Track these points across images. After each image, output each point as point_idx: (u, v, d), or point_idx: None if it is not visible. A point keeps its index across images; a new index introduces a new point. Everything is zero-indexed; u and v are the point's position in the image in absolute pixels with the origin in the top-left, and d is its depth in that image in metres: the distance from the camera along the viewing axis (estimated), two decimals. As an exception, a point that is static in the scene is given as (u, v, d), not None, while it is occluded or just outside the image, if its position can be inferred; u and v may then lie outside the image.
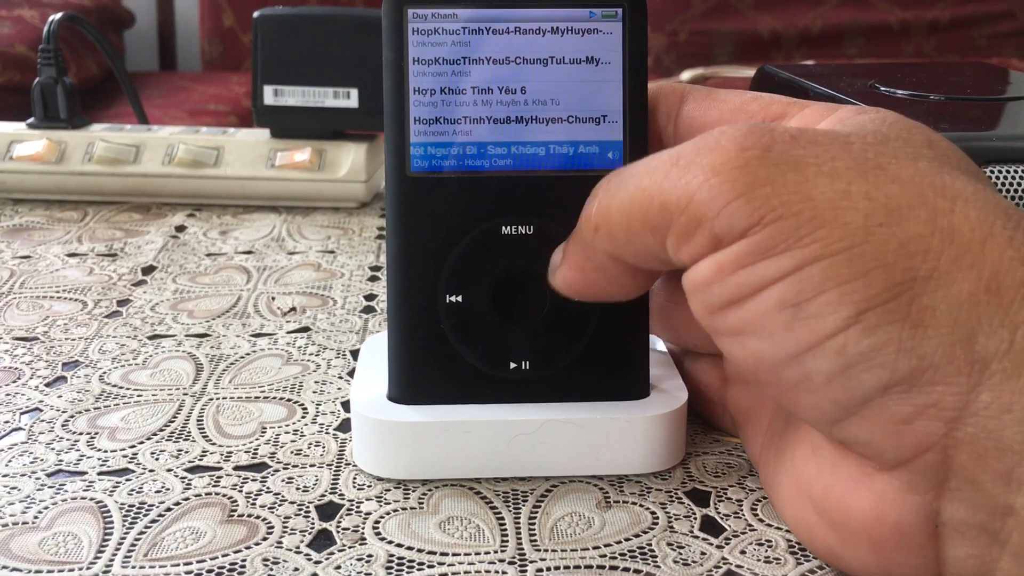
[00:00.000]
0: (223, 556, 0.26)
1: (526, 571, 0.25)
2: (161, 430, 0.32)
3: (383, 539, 0.27)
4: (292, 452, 0.31)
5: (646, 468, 0.30)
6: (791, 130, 0.22)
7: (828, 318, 0.20)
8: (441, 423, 0.28)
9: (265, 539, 0.26)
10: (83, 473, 0.29)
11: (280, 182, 0.56)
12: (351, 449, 0.31)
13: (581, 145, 0.29)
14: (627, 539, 0.27)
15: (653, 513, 0.28)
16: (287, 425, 0.33)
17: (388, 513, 0.28)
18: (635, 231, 0.23)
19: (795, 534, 0.26)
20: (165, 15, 2.12)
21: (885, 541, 0.22)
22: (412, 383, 0.29)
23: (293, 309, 0.42)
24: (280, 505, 0.28)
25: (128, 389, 0.35)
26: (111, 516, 0.27)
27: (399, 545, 0.26)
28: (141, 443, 0.31)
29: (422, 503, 0.28)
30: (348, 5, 1.90)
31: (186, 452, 0.31)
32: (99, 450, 0.31)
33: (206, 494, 0.28)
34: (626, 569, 0.25)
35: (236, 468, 0.30)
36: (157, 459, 0.30)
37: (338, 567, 0.25)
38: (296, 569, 0.25)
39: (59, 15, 0.60)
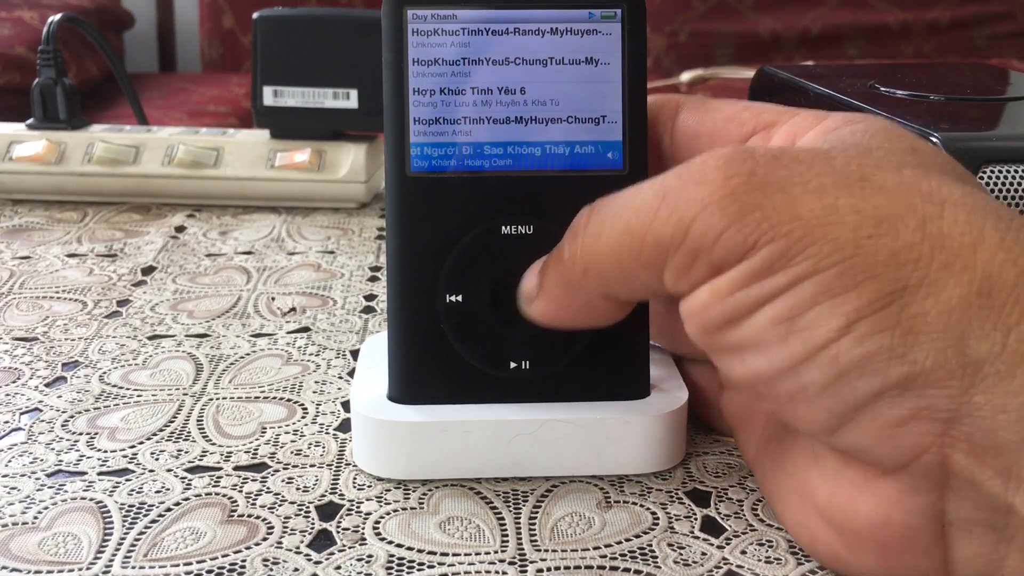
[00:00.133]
0: (223, 556, 0.26)
1: (526, 571, 0.25)
2: (161, 430, 0.32)
3: (383, 539, 0.27)
4: (292, 452, 0.31)
5: (647, 468, 0.30)
6: (772, 151, 0.23)
7: (820, 330, 0.21)
8: (441, 423, 0.28)
9: (265, 539, 0.26)
10: (83, 473, 0.29)
11: (280, 183, 0.56)
12: (351, 449, 0.31)
13: (580, 145, 0.29)
14: (627, 539, 0.27)
15: (653, 513, 0.28)
16: (287, 425, 0.33)
17: (388, 513, 0.28)
18: (627, 270, 0.24)
19: (798, 540, 0.26)
20: (165, 16, 2.12)
21: (892, 544, 0.22)
22: (412, 383, 0.29)
23: (293, 309, 0.42)
24: (280, 505, 0.28)
25: (128, 389, 0.35)
26: (111, 516, 0.27)
27: (399, 545, 0.26)
28: (141, 443, 0.31)
29: (422, 503, 0.28)
30: (348, 6, 1.90)
31: (186, 452, 0.31)
32: (99, 450, 0.31)
33: (206, 494, 0.28)
34: (626, 570, 0.25)
35: (236, 468, 0.30)
36: (157, 459, 0.30)
37: (338, 567, 0.25)
38: (296, 569, 0.25)
39: (58, 16, 0.60)
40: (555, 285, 0.26)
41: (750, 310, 0.22)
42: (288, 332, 0.40)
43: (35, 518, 0.27)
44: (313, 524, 0.27)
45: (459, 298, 0.29)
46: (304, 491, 0.29)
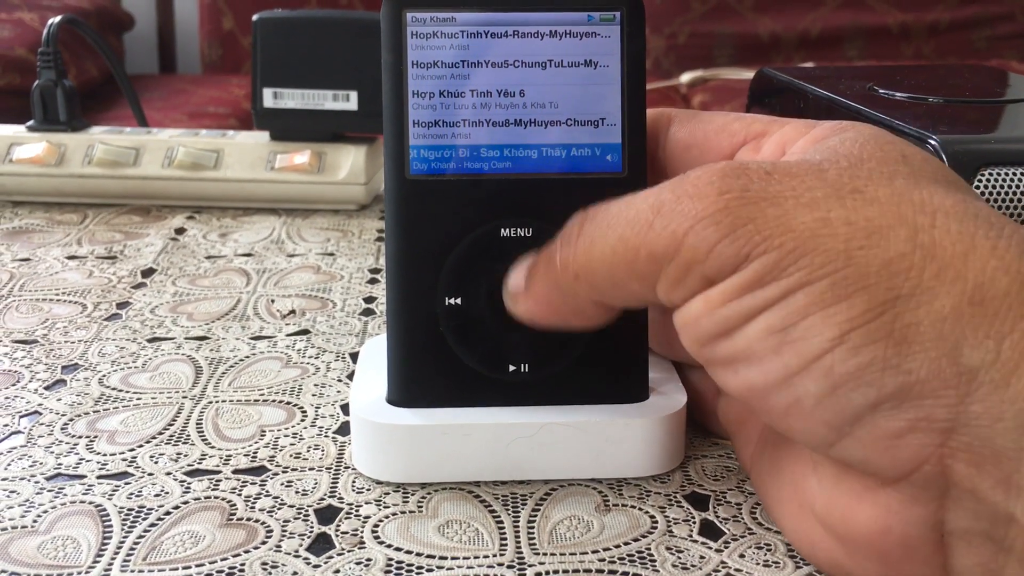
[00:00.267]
0: (222, 560, 0.26)
1: (525, 575, 0.25)
2: (160, 433, 0.32)
3: (382, 543, 0.27)
4: (291, 455, 0.31)
5: (645, 471, 0.30)
6: (765, 166, 0.23)
7: (814, 340, 0.21)
8: (440, 426, 0.28)
9: (264, 543, 0.26)
10: (82, 476, 0.29)
11: (280, 184, 0.56)
12: (350, 452, 0.31)
13: (580, 148, 0.29)
14: (626, 543, 0.27)
15: (652, 517, 0.28)
16: (286, 428, 0.33)
17: (387, 517, 0.28)
18: (620, 280, 0.24)
19: (796, 547, 0.26)
20: (165, 18, 2.12)
21: (892, 553, 0.22)
22: (411, 386, 0.29)
23: (292, 312, 0.42)
24: (279, 509, 0.28)
25: (127, 392, 0.35)
26: (110, 520, 0.27)
27: (398, 549, 0.26)
28: (140, 446, 0.31)
29: (421, 507, 0.28)
30: (347, 8, 1.91)
31: (185, 455, 0.31)
32: (98, 453, 0.31)
33: (205, 498, 0.28)
34: (625, 573, 0.25)
35: (235, 471, 0.30)
36: (156, 462, 0.30)
37: (337, 571, 0.25)
38: (295, 573, 0.25)
39: (58, 18, 0.60)
40: (544, 287, 0.26)
41: (743, 321, 0.22)
42: (288, 335, 0.40)
43: (34, 522, 0.27)
44: (312, 528, 0.27)
45: (458, 301, 0.29)
46: (303, 494, 0.29)
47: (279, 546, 0.26)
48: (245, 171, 0.56)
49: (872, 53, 1.89)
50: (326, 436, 0.32)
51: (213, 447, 0.31)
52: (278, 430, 0.32)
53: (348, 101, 0.55)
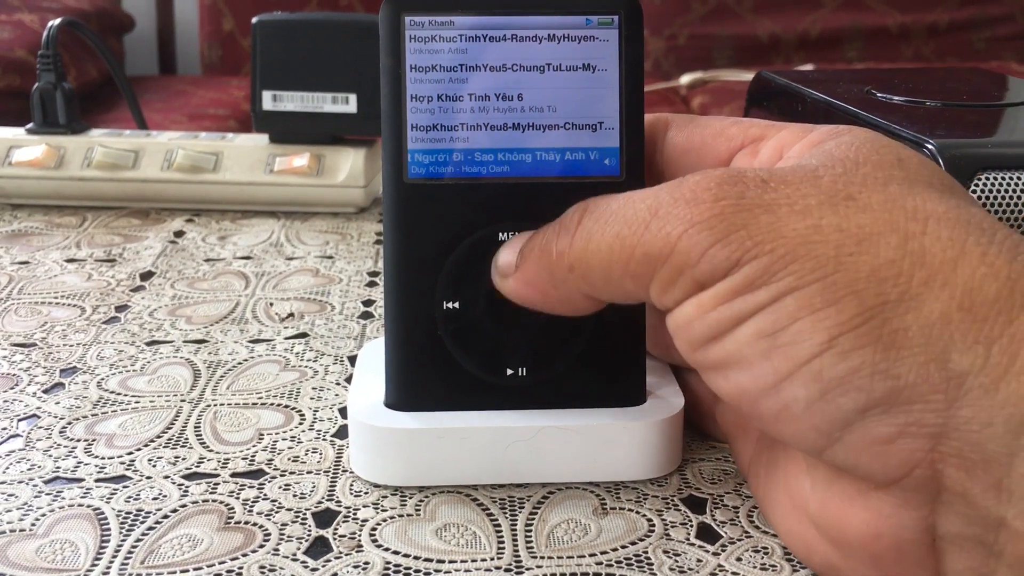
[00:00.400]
0: (220, 563, 0.26)
1: (522, 578, 0.25)
2: (158, 437, 0.32)
3: (380, 546, 0.27)
4: (289, 459, 0.31)
5: (643, 474, 0.30)
6: (761, 174, 0.23)
7: (803, 344, 0.21)
8: (438, 430, 0.29)
9: (262, 546, 0.26)
10: (80, 480, 0.29)
11: (279, 187, 0.56)
12: (348, 456, 0.31)
13: (578, 152, 0.29)
14: (623, 546, 0.27)
15: (649, 520, 0.28)
16: (284, 431, 0.33)
17: (385, 520, 0.28)
18: (614, 277, 0.24)
19: (792, 550, 0.26)
20: (165, 19, 2.12)
21: (885, 556, 0.22)
22: (409, 390, 0.29)
23: (291, 315, 0.42)
24: (277, 512, 0.28)
25: (126, 395, 0.35)
26: (108, 523, 0.27)
27: (396, 552, 0.26)
28: (138, 450, 0.31)
29: (419, 510, 0.28)
30: (347, 10, 1.91)
31: (183, 459, 0.31)
32: (96, 457, 0.31)
33: (203, 501, 0.28)
34: (622, 576, 0.26)
35: (233, 475, 0.30)
36: (154, 466, 0.30)
37: (335, 574, 0.25)
38: (293, 576, 0.25)
39: (58, 20, 0.60)
40: (535, 271, 0.26)
41: (733, 325, 0.22)
42: (286, 338, 0.40)
43: (32, 525, 0.27)
44: (310, 531, 0.27)
45: (456, 304, 0.29)
46: (301, 498, 0.29)
47: (277, 549, 0.26)
48: (244, 174, 0.56)
49: (871, 54, 1.89)
50: (324, 439, 0.32)
51: (211, 450, 0.31)
52: (276, 433, 0.32)
53: (347, 104, 0.55)
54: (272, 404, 0.34)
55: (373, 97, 0.55)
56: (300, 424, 0.33)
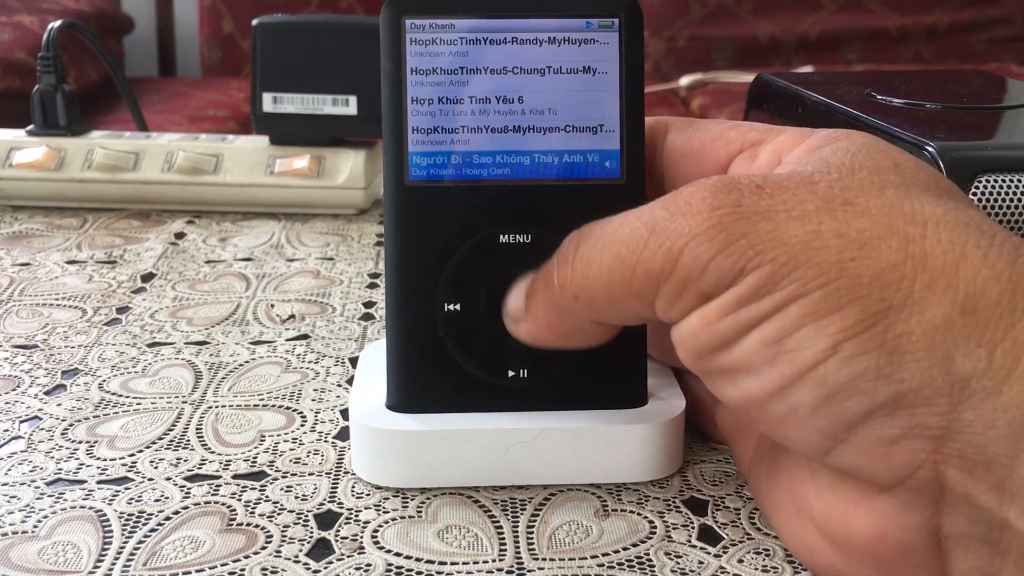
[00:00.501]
0: (222, 565, 0.26)
1: (524, 580, 0.25)
2: (160, 438, 0.32)
3: (381, 548, 0.27)
4: (291, 460, 0.31)
5: (644, 476, 0.30)
6: (756, 179, 0.23)
7: (808, 351, 0.21)
8: (439, 431, 0.29)
9: (264, 548, 0.26)
10: (82, 482, 0.29)
11: (279, 189, 0.56)
12: (350, 457, 0.31)
13: (578, 154, 0.29)
14: (625, 548, 0.27)
15: (651, 522, 0.28)
16: (286, 433, 0.33)
17: (387, 522, 0.28)
18: (619, 299, 0.24)
19: (795, 553, 0.26)
20: (165, 21, 2.12)
21: (890, 559, 0.22)
22: (411, 391, 0.29)
23: (292, 316, 0.42)
24: (279, 514, 0.28)
25: (127, 397, 0.35)
26: (110, 525, 0.27)
27: (397, 554, 0.26)
28: (140, 451, 0.31)
29: (420, 512, 0.28)
30: (347, 12, 1.91)
31: (185, 460, 0.31)
32: (98, 459, 0.31)
33: (205, 503, 0.29)
34: (624, 578, 0.26)
35: (235, 476, 0.30)
36: (156, 467, 0.30)
37: (336, 576, 0.25)
38: (295, 578, 0.25)
39: (58, 23, 0.60)
40: (544, 308, 0.26)
41: (739, 334, 0.22)
42: (287, 339, 0.40)
43: (35, 527, 0.27)
44: (312, 533, 0.27)
45: (457, 307, 0.29)
46: (303, 499, 0.29)
47: (279, 551, 0.26)
48: (244, 175, 0.57)
49: (871, 56, 1.89)
50: (326, 441, 0.32)
51: (213, 452, 0.31)
52: (278, 435, 0.32)
53: (348, 106, 0.55)
54: (273, 406, 0.34)
55: (373, 99, 0.55)
56: (302, 426, 0.33)
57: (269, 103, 0.56)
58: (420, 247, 0.29)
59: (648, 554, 0.27)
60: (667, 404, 0.30)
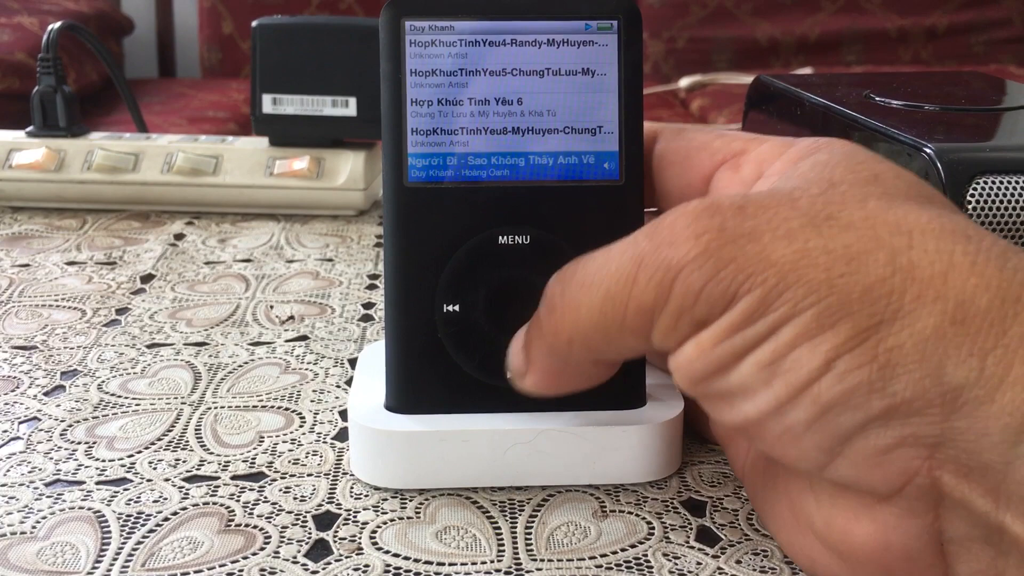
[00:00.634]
0: (220, 566, 0.26)
1: (522, 581, 0.25)
2: (159, 439, 0.32)
3: (380, 549, 0.27)
4: (290, 461, 0.31)
5: (642, 477, 0.30)
6: (737, 200, 0.23)
7: (801, 371, 0.21)
8: (438, 432, 0.29)
9: (262, 549, 0.27)
10: (81, 483, 0.30)
11: (279, 190, 0.56)
12: (348, 458, 0.31)
13: (577, 156, 0.29)
14: (623, 549, 0.27)
15: (649, 523, 0.28)
16: (285, 434, 0.33)
17: (385, 523, 0.28)
18: (614, 337, 0.24)
19: (796, 561, 0.26)
20: (164, 22, 2.13)
21: (895, 567, 0.22)
22: (409, 392, 0.29)
23: (291, 318, 0.43)
24: (277, 515, 0.28)
25: (126, 398, 0.35)
26: (109, 526, 0.27)
27: (396, 555, 0.26)
28: (139, 452, 0.31)
29: (419, 513, 0.28)
30: (347, 14, 1.91)
31: (184, 461, 0.31)
32: (97, 459, 0.31)
33: (204, 503, 0.29)
34: (622, 579, 0.26)
35: (234, 477, 0.30)
36: (155, 468, 0.30)
37: (335, 577, 0.25)
38: (293, 579, 0.25)
39: (58, 24, 0.60)
40: (543, 359, 0.26)
41: (735, 359, 0.22)
42: (286, 340, 0.40)
43: (33, 527, 0.27)
44: (310, 534, 0.27)
45: (456, 308, 0.29)
46: (301, 500, 0.29)
47: (277, 552, 0.26)
48: (244, 177, 0.57)
49: (870, 57, 1.89)
50: (324, 442, 0.32)
51: (212, 453, 0.31)
52: (276, 436, 0.32)
53: (347, 107, 0.56)
54: (272, 407, 0.35)
55: (373, 100, 0.55)
56: (300, 427, 0.33)
57: (268, 104, 0.56)
58: (419, 248, 0.29)
59: (646, 555, 0.27)
60: (665, 405, 0.30)
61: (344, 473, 0.30)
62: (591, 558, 0.26)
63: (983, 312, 0.20)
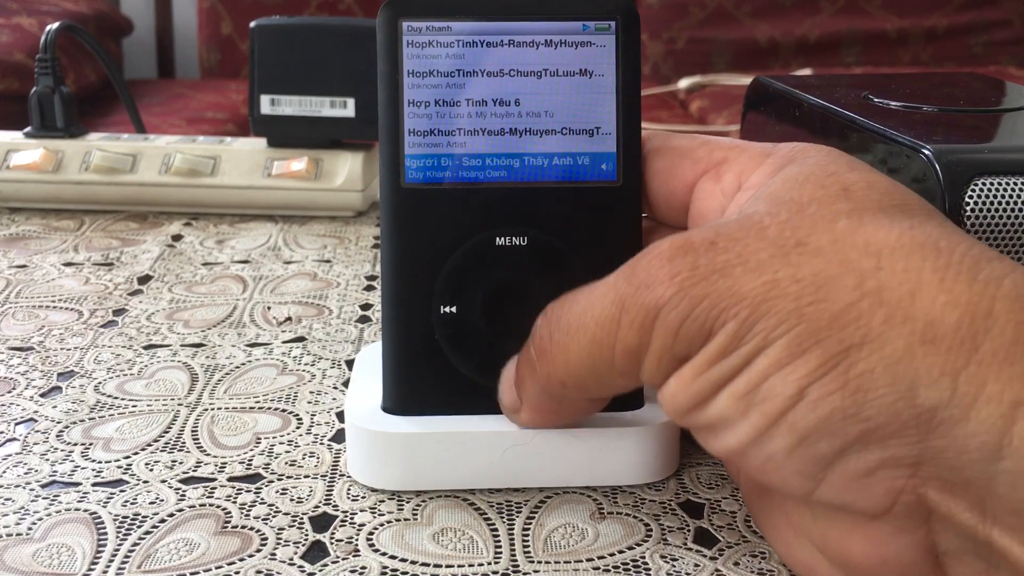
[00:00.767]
0: (216, 568, 0.26)
1: (519, 583, 0.25)
2: (156, 441, 0.32)
3: (377, 551, 0.27)
4: (286, 463, 0.31)
5: (640, 479, 0.30)
6: (708, 234, 0.24)
7: (776, 400, 0.22)
8: (436, 434, 0.29)
9: (259, 551, 0.26)
10: (77, 484, 0.29)
11: (277, 191, 0.56)
12: (345, 460, 0.31)
13: (575, 157, 0.29)
14: (621, 551, 0.27)
15: (647, 525, 0.28)
16: (282, 436, 0.33)
17: (382, 524, 0.28)
18: (605, 378, 0.25)
19: (795, 570, 0.26)
20: (163, 23, 2.12)
21: None
22: (407, 394, 0.29)
23: (289, 319, 0.42)
24: (274, 516, 0.28)
25: (123, 399, 0.35)
26: (105, 527, 0.27)
27: (393, 557, 0.26)
28: (136, 454, 0.31)
29: (416, 514, 0.28)
30: (346, 15, 1.91)
31: (180, 463, 0.31)
32: (93, 461, 0.31)
33: (200, 505, 0.28)
34: (619, 581, 0.26)
35: (230, 479, 0.30)
36: (151, 470, 0.30)
37: (331, 579, 0.25)
38: (289, 581, 0.25)
39: (56, 25, 0.60)
40: (537, 398, 0.27)
41: (713, 392, 0.23)
42: (284, 342, 0.40)
43: (29, 529, 0.27)
44: (307, 535, 0.27)
45: (453, 309, 0.29)
46: (298, 502, 0.29)
47: (274, 554, 0.26)
48: (242, 178, 0.56)
49: (870, 59, 1.89)
50: (321, 443, 0.32)
51: (208, 454, 0.31)
52: (273, 437, 0.32)
53: (345, 108, 0.55)
54: (269, 408, 0.34)
55: (371, 101, 0.55)
56: (297, 428, 0.33)
57: (267, 105, 0.56)
58: (416, 249, 0.29)
59: (644, 557, 0.27)
60: (663, 407, 0.30)
61: (341, 475, 0.30)
62: (588, 560, 0.26)
63: (953, 330, 0.20)
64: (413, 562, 0.26)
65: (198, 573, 0.25)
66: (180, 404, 0.35)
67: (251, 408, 0.34)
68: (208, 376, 0.37)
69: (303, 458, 0.31)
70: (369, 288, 0.46)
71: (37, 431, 0.33)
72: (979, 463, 0.20)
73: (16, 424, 0.33)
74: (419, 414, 0.29)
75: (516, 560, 0.26)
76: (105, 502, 0.29)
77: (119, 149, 0.58)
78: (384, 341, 0.29)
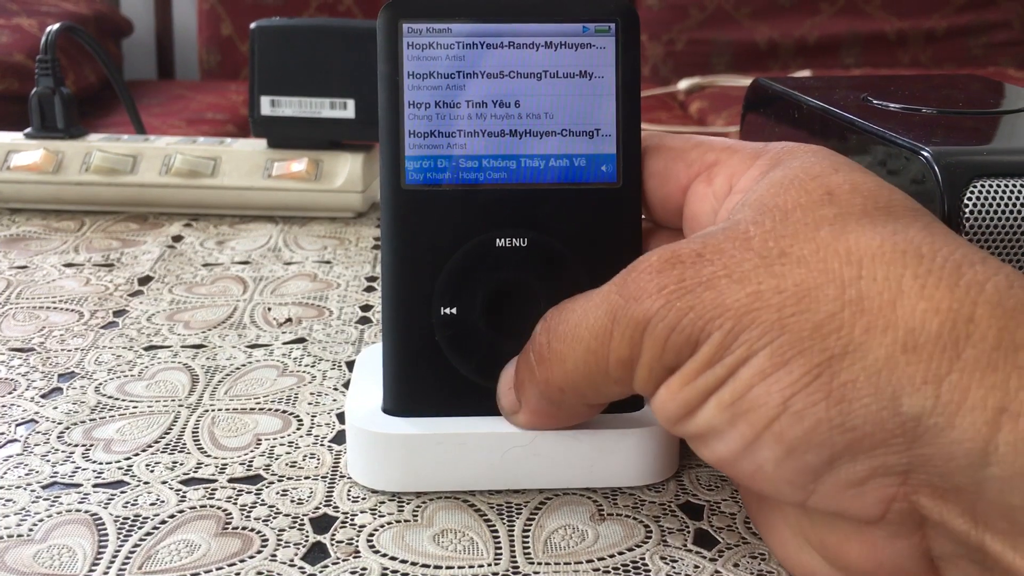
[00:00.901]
0: (217, 569, 0.26)
1: (519, 584, 0.25)
2: (156, 442, 0.32)
3: (377, 552, 0.27)
4: (287, 464, 0.31)
5: (640, 480, 0.30)
6: (695, 246, 0.24)
7: (760, 411, 0.22)
8: (436, 435, 0.29)
9: (259, 552, 0.26)
10: (78, 485, 0.29)
11: (277, 192, 0.56)
12: (346, 461, 0.31)
13: (575, 158, 0.29)
14: (620, 552, 0.27)
15: (647, 526, 0.28)
16: (282, 437, 0.33)
17: (382, 526, 0.28)
18: (600, 385, 0.25)
19: (795, 573, 0.26)
20: (163, 24, 2.13)
21: None
22: (407, 395, 0.29)
23: (289, 320, 0.42)
24: (274, 518, 0.28)
25: (124, 400, 0.35)
26: (106, 529, 0.27)
27: (393, 558, 0.26)
28: (136, 455, 0.31)
29: (416, 516, 0.28)
30: (346, 16, 1.91)
31: (181, 464, 0.31)
32: (94, 462, 0.31)
33: (200, 506, 0.29)
34: (619, 582, 0.26)
35: (231, 480, 0.30)
36: (152, 471, 0.30)
37: (332, 580, 0.25)
38: (290, 582, 0.25)
39: (56, 26, 0.60)
40: (536, 401, 0.27)
41: (700, 401, 0.23)
42: (284, 343, 0.40)
43: (30, 530, 0.27)
44: (307, 537, 0.27)
45: (453, 310, 0.29)
46: (298, 503, 0.29)
47: (274, 555, 0.26)
48: (242, 179, 0.57)
49: (869, 60, 1.89)
50: (322, 445, 0.32)
51: (209, 456, 0.31)
52: (274, 439, 0.32)
53: (345, 109, 0.56)
54: (270, 409, 0.34)
55: (371, 103, 0.55)
56: (298, 429, 0.33)
57: (267, 106, 0.56)
58: (416, 251, 0.29)
59: (643, 558, 0.27)
60: (663, 408, 0.30)
61: (341, 476, 0.30)
62: (588, 561, 0.26)
63: (934, 337, 0.20)
64: (413, 563, 0.26)
65: (199, 574, 0.26)
66: (181, 405, 0.35)
67: (252, 409, 0.34)
68: (209, 377, 0.37)
69: (303, 459, 0.31)
70: (369, 289, 0.46)
71: (38, 432, 0.33)
72: (967, 470, 0.20)
73: (17, 425, 0.33)
74: (419, 415, 0.29)
75: (516, 561, 0.26)
76: (106, 503, 0.29)
77: (119, 150, 0.58)
78: (384, 342, 0.30)
